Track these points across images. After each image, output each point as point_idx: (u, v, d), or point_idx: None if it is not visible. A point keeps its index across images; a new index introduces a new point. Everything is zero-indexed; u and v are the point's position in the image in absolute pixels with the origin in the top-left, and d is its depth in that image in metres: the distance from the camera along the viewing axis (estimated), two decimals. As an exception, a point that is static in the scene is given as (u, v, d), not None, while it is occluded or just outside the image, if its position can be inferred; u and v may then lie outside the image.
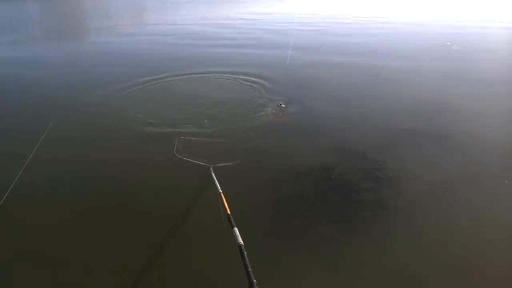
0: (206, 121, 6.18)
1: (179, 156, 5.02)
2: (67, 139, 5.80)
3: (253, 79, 8.35)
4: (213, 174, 4.31)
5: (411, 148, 5.31)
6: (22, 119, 6.76)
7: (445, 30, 14.33)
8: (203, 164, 4.75)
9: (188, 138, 5.57)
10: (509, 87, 7.92)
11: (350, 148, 5.27)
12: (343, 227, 3.81)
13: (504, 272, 3.30)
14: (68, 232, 3.88)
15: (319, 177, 4.63)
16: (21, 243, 3.77)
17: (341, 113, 6.58)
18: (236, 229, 2.85)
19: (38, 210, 4.23)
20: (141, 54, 12.12)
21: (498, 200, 4.21)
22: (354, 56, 10.58)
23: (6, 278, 3.36)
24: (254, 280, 2.31)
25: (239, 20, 18.80)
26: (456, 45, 11.41)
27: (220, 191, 3.70)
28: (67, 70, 10.35)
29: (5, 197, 3.72)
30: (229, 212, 3.22)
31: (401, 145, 5.39)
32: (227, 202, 3.42)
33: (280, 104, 6.16)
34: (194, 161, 4.85)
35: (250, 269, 2.40)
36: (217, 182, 3.96)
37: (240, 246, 2.65)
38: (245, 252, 2.56)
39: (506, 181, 4.44)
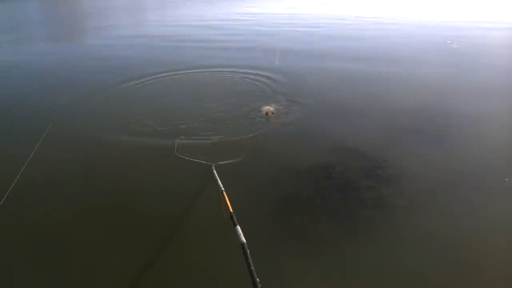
0: (203, 119, 6.21)
1: (180, 155, 5.02)
2: (67, 138, 5.81)
3: (257, 77, 8.37)
4: (215, 172, 4.31)
5: (411, 146, 5.31)
6: (21, 119, 6.76)
7: (444, 29, 14.34)
8: (204, 162, 4.74)
9: (188, 137, 5.56)
10: (509, 86, 7.90)
11: (351, 147, 5.28)
12: (344, 226, 3.81)
13: (506, 271, 3.29)
14: (69, 232, 3.89)
15: (320, 176, 4.63)
16: (21, 242, 3.77)
17: (341, 112, 6.57)
18: (238, 228, 2.85)
19: (38, 209, 4.24)
20: (139, 53, 12.12)
21: (498, 199, 4.21)
22: (353, 55, 10.56)
23: (7, 277, 3.36)
24: (257, 279, 2.31)
25: (233, 21, 18.73)
26: (456, 43, 11.40)
27: (222, 189, 3.70)
28: (66, 68, 10.35)
29: (5, 196, 3.71)
30: (231, 210, 3.22)
31: (401, 143, 5.39)
32: (229, 200, 3.41)
33: (271, 113, 6.10)
34: (195, 159, 4.83)
35: (253, 268, 2.40)
36: (219, 180, 3.96)
37: (242, 244, 2.65)
38: (248, 251, 2.55)
39: (506, 179, 4.44)
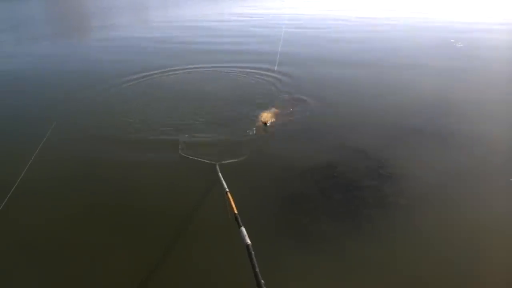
0: (206, 118, 6.23)
1: (184, 154, 5.03)
2: (70, 138, 5.82)
3: (263, 77, 8.40)
4: (219, 171, 4.30)
5: (413, 146, 5.33)
6: (25, 118, 6.76)
7: (448, 28, 14.24)
8: (208, 161, 4.75)
9: (192, 136, 5.57)
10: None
11: (353, 146, 5.29)
12: (346, 225, 3.83)
13: (507, 271, 3.31)
14: (73, 231, 3.91)
15: (322, 175, 4.65)
16: (25, 241, 3.80)
17: (343, 112, 6.59)
18: (243, 229, 2.82)
19: (41, 208, 4.26)
20: (142, 50, 12.18)
21: (500, 198, 4.22)
22: (356, 55, 10.52)
23: (11, 276, 3.39)
24: (262, 281, 2.29)
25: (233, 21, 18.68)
26: (460, 42, 11.35)
27: (227, 189, 3.68)
28: (69, 68, 10.35)
29: (8, 196, 3.72)
30: (236, 211, 3.20)
31: (403, 143, 5.40)
32: (234, 201, 3.40)
33: (266, 124, 5.82)
34: (199, 159, 4.83)
35: (257, 270, 2.37)
36: (223, 181, 3.95)
37: (247, 246, 2.62)
38: (253, 252, 2.53)
39: (511, 179, 4.43)
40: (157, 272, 3.37)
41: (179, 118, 6.33)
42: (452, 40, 11.62)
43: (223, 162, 4.69)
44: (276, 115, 6.09)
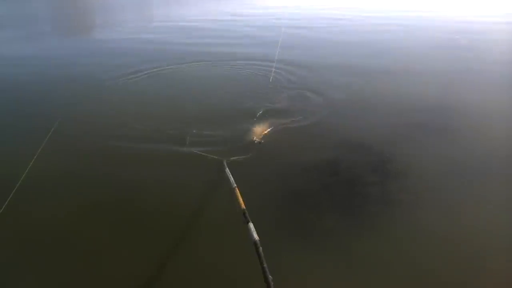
0: (212, 114, 6.25)
1: (192, 150, 5.03)
2: (74, 135, 5.78)
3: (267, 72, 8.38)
4: (227, 168, 4.30)
5: (418, 142, 5.33)
6: (28, 116, 6.73)
7: (453, 25, 14.15)
8: (216, 157, 4.75)
9: (198, 132, 5.57)
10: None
11: (358, 142, 5.30)
12: (350, 221, 3.86)
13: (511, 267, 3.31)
14: (78, 228, 3.92)
15: (327, 171, 4.69)
16: (29, 238, 3.81)
17: (347, 108, 6.59)
18: (251, 224, 2.82)
19: (46, 204, 4.27)
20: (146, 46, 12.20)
21: (505, 194, 4.23)
22: (360, 51, 10.49)
23: (13, 274, 3.40)
24: (270, 277, 2.27)
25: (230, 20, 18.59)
26: (464, 38, 11.29)
27: (235, 185, 3.69)
28: (72, 64, 10.36)
29: (12, 193, 3.73)
30: (243, 206, 3.20)
31: (407, 139, 5.41)
32: (241, 196, 3.40)
33: (258, 142, 5.39)
34: (207, 155, 4.84)
35: (265, 265, 2.37)
36: (231, 177, 3.94)
37: (255, 242, 2.62)
38: (261, 248, 2.53)
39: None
40: (163, 268, 3.39)
41: (185, 113, 6.36)
42: (456, 37, 11.56)
43: (231, 158, 4.70)
44: (270, 126, 5.75)
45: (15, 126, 6.34)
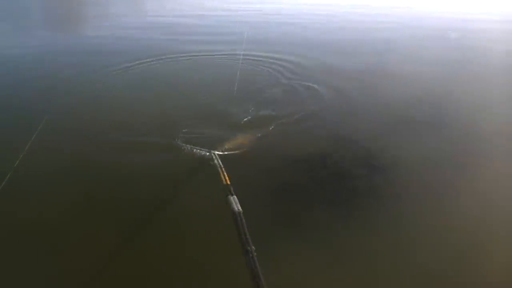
0: (203, 108, 6.24)
1: (181, 144, 5.05)
2: (63, 130, 5.69)
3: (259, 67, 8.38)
4: (215, 157, 4.37)
5: (406, 136, 5.42)
6: (16, 112, 6.58)
7: (445, 19, 14.25)
8: (205, 151, 4.78)
9: (188, 127, 5.56)
10: (506, 77, 7.92)
11: (346, 136, 5.38)
12: (338, 214, 3.92)
13: (499, 258, 3.41)
14: (66, 224, 3.89)
15: (316, 165, 4.74)
16: (16, 234, 3.79)
17: (336, 103, 6.60)
18: (234, 197, 2.82)
19: (33, 202, 4.23)
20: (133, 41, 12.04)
21: (489, 187, 4.33)
22: (350, 46, 10.49)
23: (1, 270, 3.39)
24: (253, 247, 2.24)
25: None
26: (456, 34, 11.37)
27: (222, 166, 3.80)
28: (62, 59, 10.18)
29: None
30: (228, 182, 3.24)
31: (395, 133, 5.49)
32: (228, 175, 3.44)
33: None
34: (196, 148, 4.87)
35: (248, 236, 2.32)
36: (219, 162, 4.05)
37: (238, 212, 2.59)
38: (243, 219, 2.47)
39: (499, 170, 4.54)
40: (148, 262, 3.39)
41: (175, 107, 6.36)
42: (448, 31, 11.64)
43: (219, 152, 4.72)
44: (250, 137, 5.41)
45: (2, 121, 6.21)
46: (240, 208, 2.64)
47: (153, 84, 7.77)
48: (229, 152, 4.85)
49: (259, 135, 5.39)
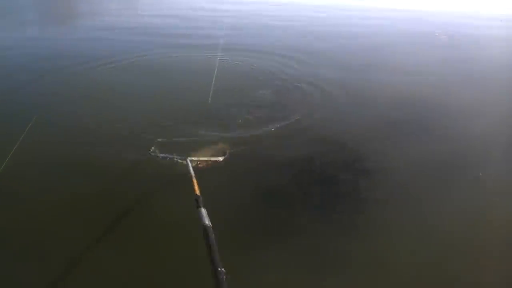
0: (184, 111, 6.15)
1: (154, 154, 4.84)
2: (51, 132, 5.61)
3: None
4: (189, 163, 4.26)
5: (392, 140, 5.41)
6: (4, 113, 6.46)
7: (432, 20, 14.29)
8: (178, 157, 4.63)
9: (168, 132, 5.42)
10: (494, 80, 7.99)
11: (332, 140, 5.34)
12: (322, 219, 3.89)
13: (482, 263, 3.44)
14: (51, 226, 3.86)
15: (300, 169, 4.71)
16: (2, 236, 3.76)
17: (322, 105, 6.53)
18: (203, 209, 2.60)
19: (19, 204, 4.19)
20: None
21: (477, 193, 4.33)
22: (336, 47, 10.43)
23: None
24: (223, 269, 2.05)
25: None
26: (444, 35, 11.46)
27: (193, 175, 3.63)
28: (52, 57, 9.99)
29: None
30: (198, 193, 3.07)
31: (382, 137, 5.48)
32: (198, 185, 3.33)
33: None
34: (169, 156, 4.69)
35: (217, 257, 2.11)
36: (192, 170, 3.92)
37: (205, 227, 2.36)
38: (213, 234, 2.28)
39: (480, 173, 4.58)
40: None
41: (157, 110, 6.24)
42: (436, 33, 11.71)
43: (193, 158, 4.56)
44: (228, 148, 5.11)
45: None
46: (209, 222, 2.42)
47: (124, 86, 7.59)
48: (207, 158, 4.73)
49: (241, 139, 5.29)
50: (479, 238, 3.71)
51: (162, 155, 4.80)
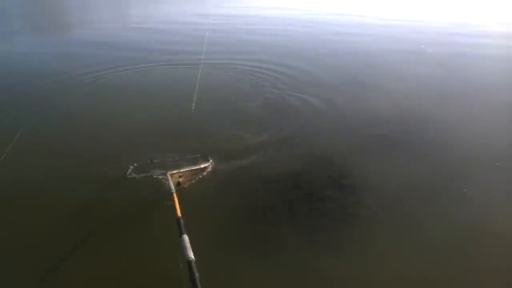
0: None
1: (131, 176, 4.69)
2: (37, 145, 5.58)
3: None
4: (169, 178, 4.18)
5: (377, 156, 5.43)
6: None
7: (418, 33, 14.33)
8: (159, 173, 4.54)
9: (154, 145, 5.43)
10: (479, 94, 8.02)
11: (318, 155, 5.35)
12: (306, 236, 3.87)
13: (468, 279, 3.44)
14: (35, 241, 3.83)
15: (286, 186, 4.70)
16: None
17: (310, 121, 6.53)
18: (185, 237, 2.42)
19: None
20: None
21: (462, 208, 4.33)
22: (324, 60, 10.45)
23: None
24: None
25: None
26: (430, 49, 11.59)
27: (173, 191, 3.54)
28: (39, 68, 9.94)
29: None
30: (179, 214, 2.91)
31: (368, 152, 5.51)
32: (179, 202, 3.20)
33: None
34: (147, 175, 4.55)
35: None
36: (172, 185, 3.83)
37: (189, 262, 2.22)
38: (196, 271, 2.16)
39: (464, 190, 4.60)
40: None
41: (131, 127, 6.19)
42: (422, 46, 11.85)
43: (173, 172, 4.48)
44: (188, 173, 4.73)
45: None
46: (191, 255, 2.26)
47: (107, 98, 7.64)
48: (189, 168, 4.66)
49: (226, 154, 5.24)
50: (465, 255, 3.71)
51: (139, 175, 4.64)
